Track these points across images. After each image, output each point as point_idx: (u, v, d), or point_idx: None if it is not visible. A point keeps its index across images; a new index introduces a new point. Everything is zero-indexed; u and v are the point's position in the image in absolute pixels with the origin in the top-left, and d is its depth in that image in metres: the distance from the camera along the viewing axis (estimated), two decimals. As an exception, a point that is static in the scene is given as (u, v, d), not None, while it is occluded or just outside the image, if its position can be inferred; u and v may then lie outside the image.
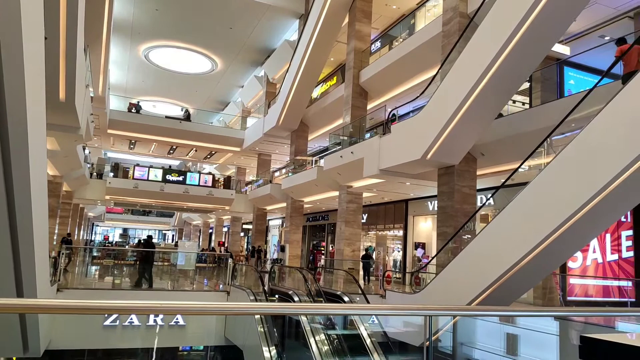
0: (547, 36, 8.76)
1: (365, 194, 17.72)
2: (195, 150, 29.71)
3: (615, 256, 12.57)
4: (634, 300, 12.09)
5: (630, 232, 12.45)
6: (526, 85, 12.84)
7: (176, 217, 50.36)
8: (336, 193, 17.88)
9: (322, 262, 24.08)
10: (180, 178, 27.75)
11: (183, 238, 48.45)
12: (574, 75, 13.61)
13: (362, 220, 20.04)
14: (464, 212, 11.58)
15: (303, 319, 7.77)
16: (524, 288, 8.94)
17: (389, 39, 17.26)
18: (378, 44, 17.63)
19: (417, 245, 19.41)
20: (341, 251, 16.79)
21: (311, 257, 25.43)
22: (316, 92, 22.42)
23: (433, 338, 6.52)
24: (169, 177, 27.41)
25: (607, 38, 12.89)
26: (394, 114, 14.28)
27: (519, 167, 8.68)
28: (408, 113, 15.59)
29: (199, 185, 27.78)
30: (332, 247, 23.86)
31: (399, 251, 21.25)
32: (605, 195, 6.38)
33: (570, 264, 12.41)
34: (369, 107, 17.81)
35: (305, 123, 22.76)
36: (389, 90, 16.99)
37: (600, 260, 12.60)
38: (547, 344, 4.76)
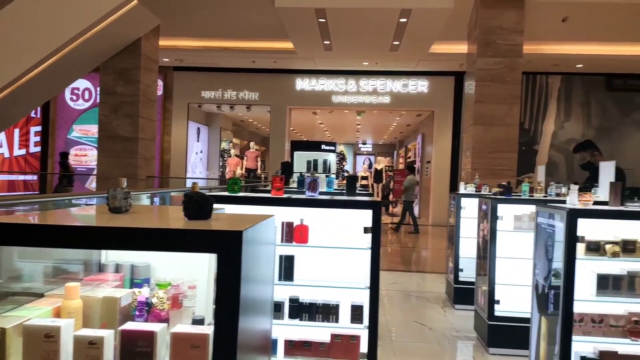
0: None
1: None
2: None
3: (23, 151, 12.67)
4: (38, 192, 12.75)
5: (39, 128, 12.86)
6: None
7: None
8: None
9: None
10: None
11: None
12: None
13: None
14: None
15: None
16: None
17: None
18: None
19: None
20: None
21: None
22: None
23: None
24: None
25: None
26: None
27: None
28: None
29: None
30: None
31: None
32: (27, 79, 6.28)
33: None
34: None
35: None
36: None
37: (7, 155, 12.32)
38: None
